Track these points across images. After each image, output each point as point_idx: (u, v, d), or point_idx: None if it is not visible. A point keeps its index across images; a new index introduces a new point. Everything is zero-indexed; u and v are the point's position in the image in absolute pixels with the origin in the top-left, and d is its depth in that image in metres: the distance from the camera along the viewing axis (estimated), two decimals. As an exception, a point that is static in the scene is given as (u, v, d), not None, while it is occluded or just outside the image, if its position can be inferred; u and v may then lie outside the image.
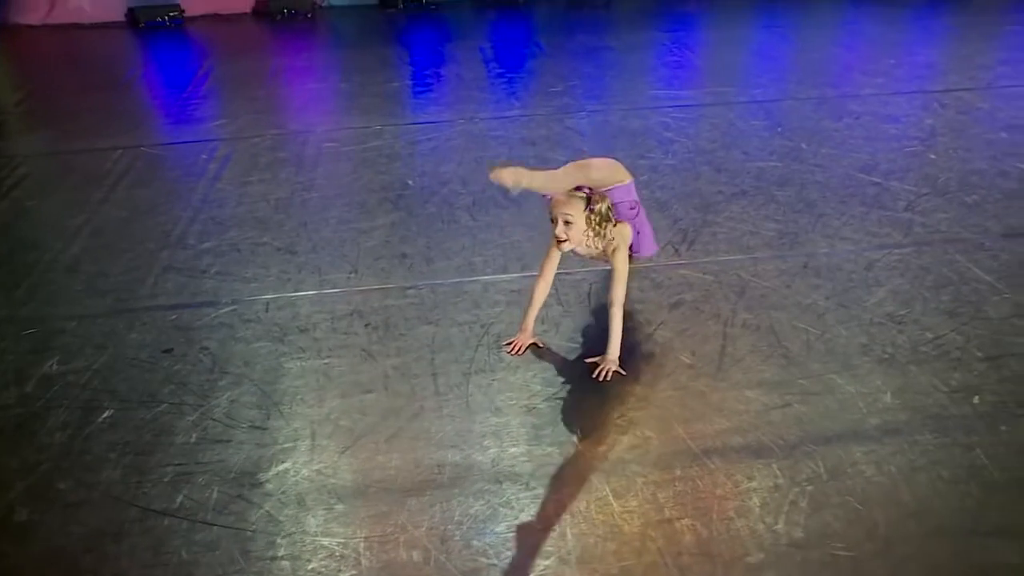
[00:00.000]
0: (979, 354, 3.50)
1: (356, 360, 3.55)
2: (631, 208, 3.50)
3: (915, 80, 6.67)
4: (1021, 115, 5.86)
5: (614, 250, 3.43)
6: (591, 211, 3.36)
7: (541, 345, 3.61)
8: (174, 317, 3.90)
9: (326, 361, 3.55)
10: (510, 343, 3.59)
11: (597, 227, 3.37)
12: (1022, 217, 4.54)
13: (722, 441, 3.07)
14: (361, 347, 3.63)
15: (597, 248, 3.46)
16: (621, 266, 3.42)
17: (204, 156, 5.60)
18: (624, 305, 3.44)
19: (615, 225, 3.45)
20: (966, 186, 4.88)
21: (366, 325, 3.78)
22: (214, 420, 3.24)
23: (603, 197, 3.39)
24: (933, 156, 5.28)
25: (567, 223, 3.34)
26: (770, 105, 6.21)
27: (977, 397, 3.26)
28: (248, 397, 3.36)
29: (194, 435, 3.17)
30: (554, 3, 9.37)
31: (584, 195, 3.36)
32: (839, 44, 8.00)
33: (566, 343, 3.64)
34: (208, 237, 4.58)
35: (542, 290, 3.59)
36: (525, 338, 3.59)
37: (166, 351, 3.67)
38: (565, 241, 3.37)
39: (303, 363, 3.55)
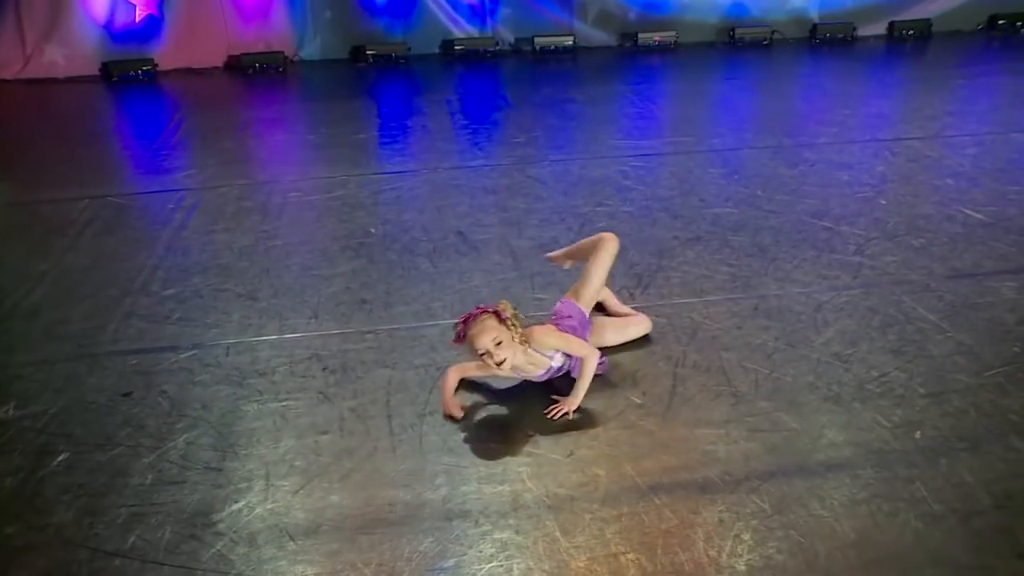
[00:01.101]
0: (922, 391, 3.60)
1: (313, 402, 3.60)
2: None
3: (868, 129, 6.89)
4: (966, 163, 6.07)
5: (553, 342, 3.48)
6: (503, 320, 3.38)
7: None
8: (134, 362, 3.94)
9: (283, 404, 3.59)
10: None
11: (515, 327, 3.40)
12: (966, 259, 4.68)
13: (669, 477, 3.13)
14: (318, 390, 3.68)
15: (527, 353, 3.46)
16: (562, 343, 3.50)
17: (171, 205, 5.68)
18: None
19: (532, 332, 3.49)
20: (914, 230, 5.03)
21: (324, 369, 3.83)
22: (170, 462, 3.26)
23: (504, 306, 3.44)
24: (883, 202, 5.45)
25: (498, 345, 3.35)
26: (728, 154, 6.39)
27: (919, 432, 3.35)
28: (205, 439, 3.39)
29: (149, 476, 3.19)
30: (521, 57, 9.61)
31: (489, 313, 3.40)
32: (796, 96, 8.26)
33: (519, 385, 3.70)
34: (171, 284, 4.64)
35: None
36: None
37: (125, 395, 3.70)
38: (504, 360, 3.36)
39: (260, 406, 3.58)
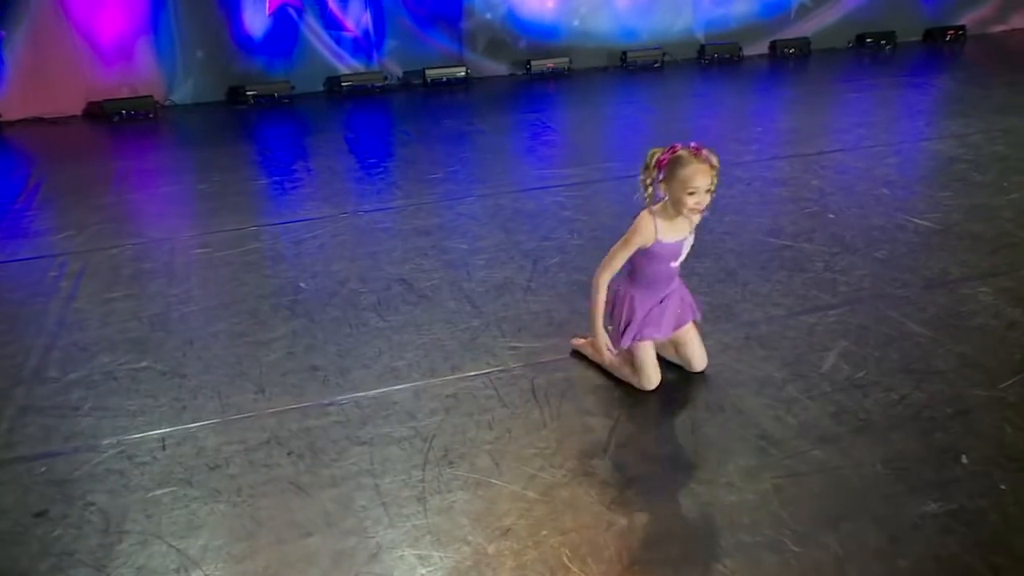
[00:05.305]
0: (948, 410, 3.36)
1: (286, 497, 2.99)
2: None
3: (787, 145, 6.82)
4: (894, 172, 6.05)
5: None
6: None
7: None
8: (43, 469, 3.20)
9: (250, 503, 2.97)
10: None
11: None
12: (933, 268, 4.56)
13: (734, 539, 2.73)
14: (289, 480, 3.07)
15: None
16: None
17: (53, 273, 4.87)
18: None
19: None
20: (872, 242, 4.89)
21: (289, 453, 3.23)
22: (119, 597, 2.59)
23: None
24: (832, 215, 5.30)
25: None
26: (657, 177, 6.12)
27: (964, 457, 3.10)
28: (159, 560, 2.73)
29: (95, 620, 2.51)
30: (412, 91, 9.14)
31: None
32: (700, 115, 8.17)
33: (524, 448, 3.22)
34: (73, 367, 3.89)
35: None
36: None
37: (38, 515, 2.97)
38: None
39: (222, 508, 2.94)
